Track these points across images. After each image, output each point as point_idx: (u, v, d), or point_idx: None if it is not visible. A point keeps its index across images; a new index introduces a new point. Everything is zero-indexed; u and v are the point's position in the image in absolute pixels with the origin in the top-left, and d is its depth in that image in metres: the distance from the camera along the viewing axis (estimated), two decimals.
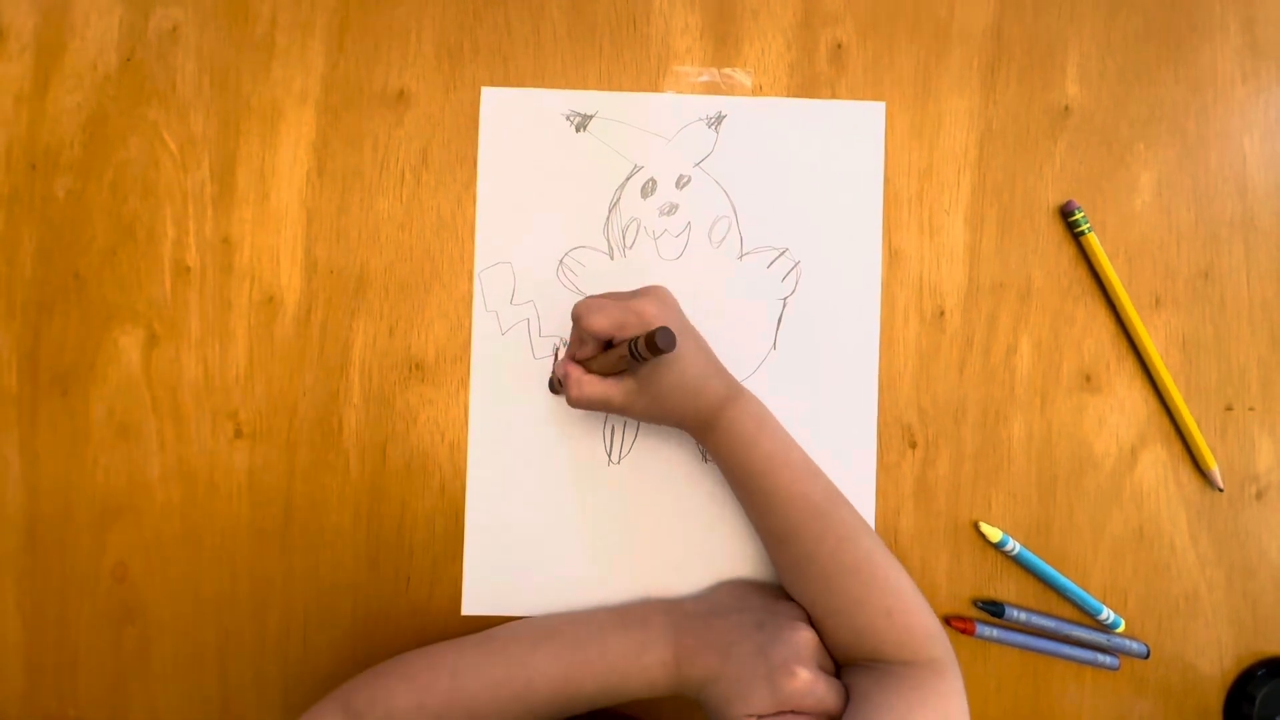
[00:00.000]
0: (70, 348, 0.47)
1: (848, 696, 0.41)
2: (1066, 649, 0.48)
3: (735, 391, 0.44)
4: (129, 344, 0.47)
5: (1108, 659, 0.48)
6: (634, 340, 0.39)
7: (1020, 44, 0.49)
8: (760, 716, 0.39)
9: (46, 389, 0.47)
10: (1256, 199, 0.49)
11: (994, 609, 0.47)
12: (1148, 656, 0.48)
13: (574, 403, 0.43)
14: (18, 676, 0.47)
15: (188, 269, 0.48)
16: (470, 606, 0.48)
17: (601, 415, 0.48)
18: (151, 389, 0.47)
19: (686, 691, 0.42)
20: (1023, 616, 0.47)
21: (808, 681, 0.39)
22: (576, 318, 0.42)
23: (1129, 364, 0.49)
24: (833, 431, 0.48)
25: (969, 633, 0.47)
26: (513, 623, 0.46)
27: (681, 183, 0.49)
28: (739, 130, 0.49)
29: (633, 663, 0.42)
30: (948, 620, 0.48)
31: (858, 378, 0.48)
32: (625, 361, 0.40)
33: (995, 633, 0.47)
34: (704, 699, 0.42)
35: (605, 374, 0.43)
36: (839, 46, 0.49)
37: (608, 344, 0.43)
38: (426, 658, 0.43)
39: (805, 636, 0.41)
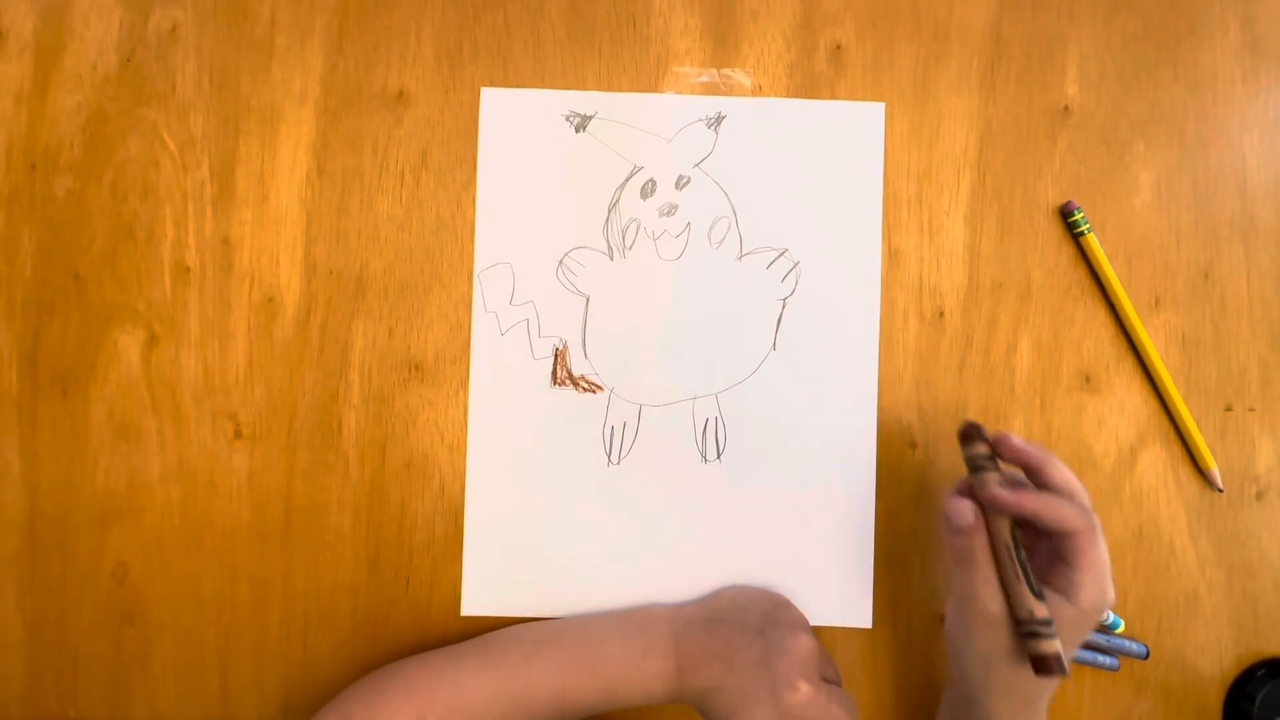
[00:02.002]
0: (70, 348, 0.47)
1: (854, 705, 0.41)
2: None
3: None
4: (129, 344, 0.47)
5: (1107, 659, 0.48)
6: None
7: (1020, 44, 0.49)
8: None
9: (46, 389, 0.47)
10: (1256, 199, 0.49)
11: None
12: (1147, 657, 0.48)
13: (956, 526, 0.38)
14: (18, 677, 0.47)
15: (187, 269, 0.48)
16: (470, 607, 0.48)
17: (601, 415, 0.48)
18: (151, 389, 0.47)
19: (687, 700, 0.42)
20: None
21: (809, 694, 0.39)
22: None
23: (1129, 364, 0.49)
24: (833, 432, 0.48)
25: None
26: (512, 628, 0.46)
27: (681, 183, 0.49)
28: (738, 131, 0.49)
29: (633, 670, 0.42)
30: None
31: (857, 378, 0.48)
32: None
33: None
34: (705, 708, 0.41)
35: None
36: (838, 47, 0.49)
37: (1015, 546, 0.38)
38: (426, 668, 0.43)
39: (807, 645, 0.41)
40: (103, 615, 0.47)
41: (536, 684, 0.41)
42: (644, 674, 0.42)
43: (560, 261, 0.48)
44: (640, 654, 0.42)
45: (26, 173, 0.48)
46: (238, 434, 0.48)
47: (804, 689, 0.39)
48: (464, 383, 0.48)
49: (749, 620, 0.43)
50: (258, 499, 0.48)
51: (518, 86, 0.49)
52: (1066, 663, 0.35)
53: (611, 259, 0.48)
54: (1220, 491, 0.48)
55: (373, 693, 0.41)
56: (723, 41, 0.49)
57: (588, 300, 0.48)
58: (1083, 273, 0.49)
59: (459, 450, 0.48)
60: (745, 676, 0.40)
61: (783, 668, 0.40)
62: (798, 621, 0.43)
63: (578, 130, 0.49)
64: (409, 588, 0.48)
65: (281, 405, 0.48)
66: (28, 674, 0.47)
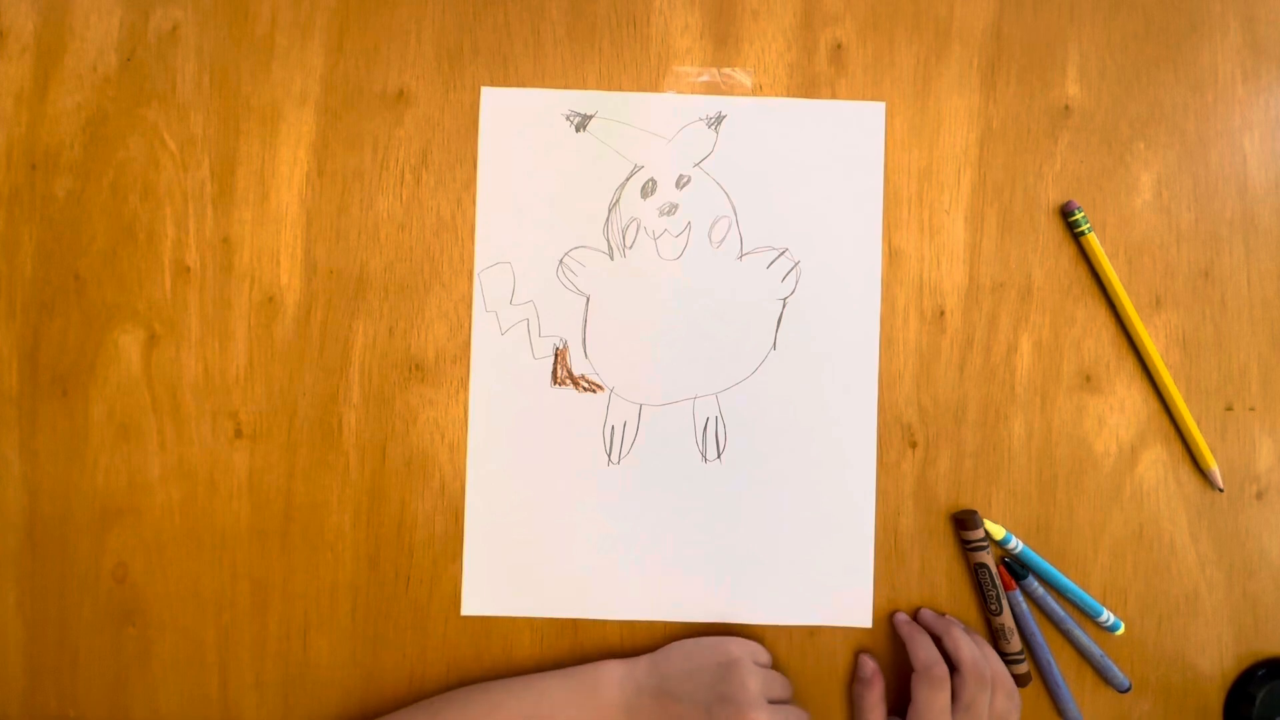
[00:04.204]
0: (70, 348, 0.47)
1: None
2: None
3: None
4: (129, 344, 0.47)
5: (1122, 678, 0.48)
6: None
7: (1020, 44, 0.49)
8: None
9: (46, 389, 0.47)
10: (1257, 198, 0.49)
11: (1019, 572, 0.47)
12: (1128, 691, 0.48)
13: (858, 675, 0.47)
14: (18, 676, 0.47)
15: (188, 269, 0.48)
16: (470, 607, 0.48)
17: (601, 414, 0.48)
18: (151, 389, 0.47)
19: None
20: (1040, 590, 0.48)
21: None
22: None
23: (1129, 364, 0.49)
24: (833, 431, 0.48)
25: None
26: (453, 694, 0.45)
27: (681, 183, 0.49)
28: (739, 130, 0.49)
29: None
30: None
31: (858, 378, 0.48)
32: None
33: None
34: None
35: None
36: (839, 46, 0.49)
37: None
38: None
39: None
40: (103, 615, 0.47)
41: None
42: None
43: (560, 261, 0.48)
44: None
45: (26, 173, 0.48)
46: (238, 433, 0.48)
47: None
48: (464, 382, 0.48)
49: (698, 695, 0.43)
50: (258, 498, 0.48)
51: (518, 86, 0.49)
52: None
53: (612, 258, 0.48)
54: (1220, 491, 0.48)
55: None
56: (723, 41, 0.49)
57: (588, 300, 0.48)
58: (1083, 272, 0.49)
59: (459, 450, 0.48)
60: None
61: None
62: (744, 698, 0.43)
63: (578, 130, 0.49)
64: (409, 587, 0.48)
65: (281, 405, 0.48)
66: (28, 674, 0.47)
